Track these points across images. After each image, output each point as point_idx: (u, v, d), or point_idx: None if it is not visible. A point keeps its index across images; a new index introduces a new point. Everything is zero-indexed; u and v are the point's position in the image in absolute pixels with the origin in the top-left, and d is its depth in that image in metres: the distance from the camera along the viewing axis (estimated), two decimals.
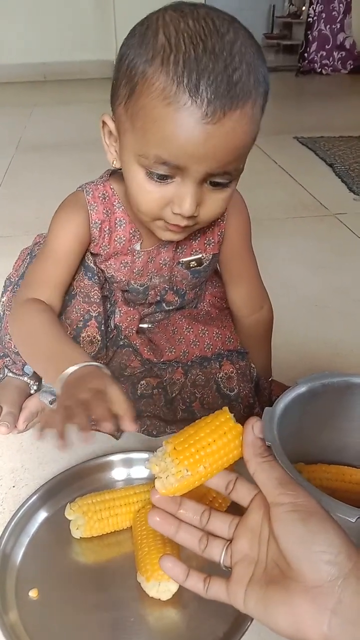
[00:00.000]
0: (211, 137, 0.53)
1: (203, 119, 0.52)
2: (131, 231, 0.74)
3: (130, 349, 0.84)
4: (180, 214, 0.59)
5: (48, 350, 0.65)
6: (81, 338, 0.76)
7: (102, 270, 0.78)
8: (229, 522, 0.47)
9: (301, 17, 4.99)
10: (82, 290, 0.75)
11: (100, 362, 0.70)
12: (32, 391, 0.89)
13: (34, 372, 0.86)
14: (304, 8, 4.91)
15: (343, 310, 1.17)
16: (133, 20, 0.61)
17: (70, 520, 0.66)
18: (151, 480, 0.72)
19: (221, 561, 0.46)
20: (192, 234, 0.74)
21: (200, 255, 0.78)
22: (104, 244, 0.75)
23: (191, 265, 0.78)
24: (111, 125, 0.62)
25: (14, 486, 0.76)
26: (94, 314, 0.76)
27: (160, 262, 0.77)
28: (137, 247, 0.75)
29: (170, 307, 0.85)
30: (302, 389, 0.66)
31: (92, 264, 0.76)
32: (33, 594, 0.60)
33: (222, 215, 0.75)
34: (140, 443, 0.82)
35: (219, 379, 0.83)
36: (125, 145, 0.60)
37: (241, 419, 0.81)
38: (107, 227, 0.74)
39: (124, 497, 0.67)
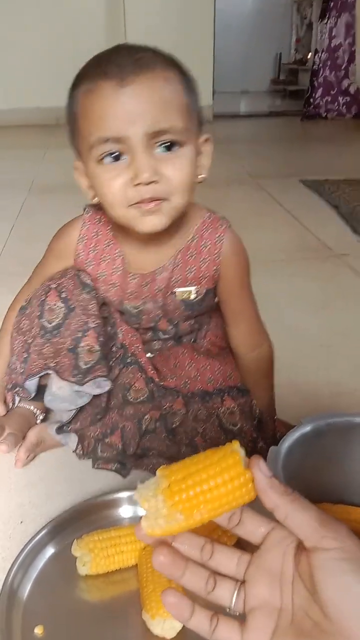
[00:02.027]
0: (130, 97, 0.61)
1: (117, 85, 0.61)
2: (116, 252, 0.80)
3: (136, 366, 0.87)
4: (140, 182, 0.63)
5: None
6: (80, 347, 0.78)
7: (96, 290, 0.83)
8: (237, 559, 0.40)
9: (307, 64, 5.16)
10: (80, 304, 0.79)
11: (101, 374, 0.79)
12: (38, 420, 0.91)
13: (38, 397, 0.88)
14: (309, 55, 5.08)
15: (347, 351, 1.19)
16: None
17: (76, 557, 0.67)
18: None
19: (231, 606, 0.39)
20: (187, 267, 0.79)
21: (193, 288, 0.82)
22: (88, 259, 0.81)
23: (184, 296, 0.82)
24: (79, 165, 0.72)
25: (21, 522, 0.77)
26: (92, 325, 0.79)
27: (155, 288, 0.81)
28: (127, 268, 0.81)
29: (166, 336, 0.89)
30: (306, 428, 0.67)
31: (88, 281, 0.81)
32: (38, 630, 0.60)
33: (217, 253, 0.80)
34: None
35: (221, 414, 0.85)
36: (85, 159, 0.69)
37: (246, 454, 0.83)
38: (93, 244, 0.81)
39: (129, 535, 0.68)
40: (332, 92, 4.31)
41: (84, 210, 0.83)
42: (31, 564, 0.68)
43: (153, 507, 0.38)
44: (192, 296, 0.82)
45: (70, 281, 0.80)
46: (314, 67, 4.27)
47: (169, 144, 0.65)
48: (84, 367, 0.78)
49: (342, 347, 1.20)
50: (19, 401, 0.89)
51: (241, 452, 0.39)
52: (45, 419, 0.93)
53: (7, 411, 0.91)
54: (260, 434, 0.86)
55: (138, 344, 0.87)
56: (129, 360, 0.87)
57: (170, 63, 0.66)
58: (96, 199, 0.72)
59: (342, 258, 1.67)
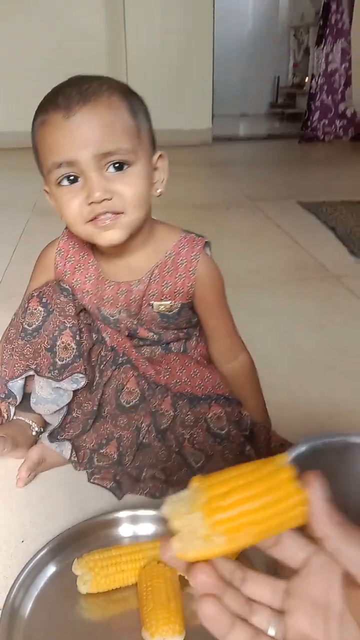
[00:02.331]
0: (76, 125, 0.68)
1: (64, 116, 0.68)
2: (90, 262, 0.87)
3: (129, 365, 0.91)
4: (93, 200, 0.70)
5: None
6: (57, 345, 0.84)
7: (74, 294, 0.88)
8: (272, 586, 0.35)
9: (304, 88, 5.26)
10: (58, 306, 0.84)
11: (78, 371, 0.84)
12: (33, 432, 0.93)
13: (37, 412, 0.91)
14: (306, 80, 5.18)
15: (344, 370, 1.20)
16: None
17: (77, 576, 0.68)
18: (156, 537, 0.74)
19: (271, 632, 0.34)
20: (164, 282, 0.84)
21: (169, 302, 0.86)
22: (65, 269, 0.87)
23: (160, 309, 0.87)
24: (47, 188, 0.77)
25: (22, 541, 0.78)
26: (68, 325, 0.84)
27: (131, 298, 0.86)
28: (104, 276, 0.86)
29: (148, 343, 0.92)
30: (303, 448, 0.68)
31: (67, 286, 0.86)
32: None
33: (192, 270, 0.84)
34: (148, 500, 0.84)
35: (209, 419, 0.88)
36: (45, 179, 0.75)
37: (235, 458, 0.85)
38: (70, 255, 0.87)
39: (130, 554, 0.69)
40: (329, 116, 4.39)
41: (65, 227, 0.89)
42: (32, 583, 0.68)
43: (188, 525, 0.32)
44: (170, 309, 0.87)
45: (50, 288, 0.85)
46: (311, 91, 4.36)
47: (118, 164, 0.71)
48: (60, 363, 0.84)
49: (340, 367, 1.22)
50: (14, 413, 0.92)
51: (292, 468, 0.33)
52: (41, 431, 0.94)
53: (1, 423, 0.93)
54: (252, 444, 0.89)
55: (126, 344, 0.91)
56: (120, 361, 0.91)
57: (116, 90, 0.72)
58: (63, 218, 0.78)
59: (339, 279, 1.69)
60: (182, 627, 0.60)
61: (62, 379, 0.84)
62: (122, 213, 0.73)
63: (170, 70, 4.01)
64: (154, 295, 0.85)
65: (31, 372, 0.85)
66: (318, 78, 4.31)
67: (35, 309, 0.84)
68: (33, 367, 0.85)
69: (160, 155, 0.79)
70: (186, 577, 0.34)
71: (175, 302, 0.86)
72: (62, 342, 0.84)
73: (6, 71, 4.08)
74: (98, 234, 0.75)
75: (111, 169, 0.71)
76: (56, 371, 0.84)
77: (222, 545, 0.31)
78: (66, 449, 0.89)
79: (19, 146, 4.06)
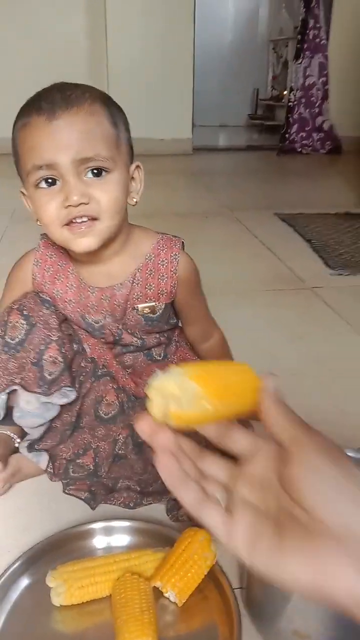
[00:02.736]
0: (58, 129, 0.70)
1: (47, 119, 0.70)
2: (70, 270, 0.87)
3: (108, 378, 0.92)
4: (70, 204, 0.71)
5: None
6: (44, 360, 0.83)
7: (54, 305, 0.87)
8: (224, 467, 0.41)
9: (283, 101, 5.33)
10: (41, 319, 0.83)
11: (65, 384, 0.84)
12: (15, 444, 0.91)
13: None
14: (285, 92, 5.25)
15: (320, 380, 1.22)
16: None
17: (51, 588, 0.67)
18: (130, 548, 0.75)
19: (222, 502, 0.40)
20: (147, 284, 0.85)
21: (153, 304, 0.87)
22: (44, 280, 0.86)
23: (145, 311, 0.88)
24: (24, 190, 0.78)
25: None
26: (54, 338, 0.84)
27: (115, 302, 0.87)
28: (86, 282, 0.87)
29: (131, 350, 0.93)
30: None
31: (47, 297, 0.86)
32: None
33: (174, 269, 0.87)
34: (121, 511, 0.84)
35: None
36: (25, 185, 0.76)
37: None
38: (48, 265, 0.86)
39: (103, 566, 0.69)
40: (306, 129, 4.45)
41: (40, 237, 0.89)
42: (5, 595, 0.68)
43: (185, 392, 0.37)
44: (154, 311, 0.88)
45: (31, 300, 0.84)
46: (290, 104, 4.43)
47: (96, 170, 0.73)
48: (49, 377, 0.83)
49: (316, 377, 1.23)
50: None
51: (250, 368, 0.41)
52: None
53: None
54: None
55: (107, 355, 0.91)
56: (99, 373, 0.92)
57: (98, 99, 0.74)
58: (38, 221, 0.79)
59: (314, 290, 1.72)
60: (156, 639, 0.61)
61: (52, 394, 0.84)
62: (97, 219, 0.75)
63: (151, 79, 4.03)
64: (138, 298, 0.87)
65: (15, 387, 0.83)
66: (296, 91, 4.38)
67: (17, 322, 0.82)
68: (18, 381, 0.83)
69: (137, 166, 0.81)
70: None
71: (159, 303, 0.88)
72: (50, 357, 0.83)
73: None
74: (73, 240, 0.76)
75: (89, 175, 0.73)
76: (46, 386, 0.83)
77: (205, 412, 0.37)
78: (43, 459, 0.88)
79: None
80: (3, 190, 3.04)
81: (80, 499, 0.85)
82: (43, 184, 0.73)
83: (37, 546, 0.73)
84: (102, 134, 0.73)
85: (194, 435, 0.41)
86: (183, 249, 0.89)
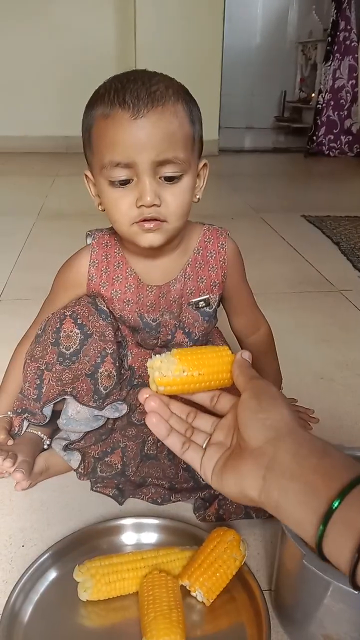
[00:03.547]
0: (141, 128, 0.68)
1: (132, 117, 0.68)
2: (127, 271, 0.85)
3: (147, 387, 0.88)
4: (143, 204, 0.71)
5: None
6: (99, 373, 0.83)
7: (112, 312, 0.86)
8: (212, 422, 0.57)
9: (310, 103, 5.29)
10: (97, 330, 0.83)
11: (118, 397, 0.85)
12: (45, 445, 0.91)
13: (49, 423, 0.89)
14: (313, 95, 5.22)
15: (348, 384, 1.20)
16: None
17: (78, 582, 0.67)
18: (158, 546, 0.74)
19: (203, 446, 0.56)
20: (198, 277, 0.86)
21: (207, 296, 0.88)
22: (102, 281, 0.85)
23: (200, 305, 0.88)
24: (89, 174, 0.78)
25: (23, 545, 0.78)
26: (109, 351, 0.83)
27: (171, 298, 0.86)
28: (144, 281, 0.86)
29: None
30: None
31: (104, 307, 0.85)
32: None
33: (223, 259, 0.87)
34: (146, 509, 0.83)
35: None
36: (95, 174, 0.75)
37: None
38: (104, 266, 0.86)
39: (131, 562, 0.69)
40: (334, 131, 4.41)
41: (86, 236, 0.88)
42: (32, 588, 0.68)
43: (165, 364, 0.54)
44: (208, 303, 0.88)
45: (85, 308, 0.83)
46: (318, 106, 4.39)
47: (171, 176, 0.72)
48: (104, 392, 0.83)
49: (344, 381, 1.21)
50: (27, 426, 0.90)
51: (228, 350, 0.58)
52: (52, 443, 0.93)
53: (14, 437, 0.91)
54: None
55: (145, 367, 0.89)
56: (135, 382, 0.90)
57: (180, 97, 0.72)
58: (101, 207, 0.79)
59: (343, 293, 1.69)
60: (184, 638, 0.60)
61: (105, 407, 0.84)
62: (166, 221, 0.74)
63: (178, 80, 4.03)
64: (191, 292, 0.87)
65: (66, 397, 0.83)
66: (325, 94, 4.34)
67: (72, 332, 0.82)
68: (69, 390, 0.82)
69: (204, 164, 0.80)
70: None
71: (213, 294, 0.88)
72: (105, 370, 0.83)
73: (15, 78, 4.11)
74: (141, 235, 0.75)
75: (165, 180, 0.72)
76: (100, 400, 0.83)
77: (183, 377, 0.54)
78: (75, 458, 0.88)
79: (26, 150, 4.12)
80: (32, 187, 3.10)
81: (108, 495, 0.85)
82: (118, 184, 0.72)
83: (65, 540, 0.73)
84: (183, 135, 0.72)
85: (191, 403, 0.59)
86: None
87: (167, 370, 0.54)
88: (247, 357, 0.57)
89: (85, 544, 0.74)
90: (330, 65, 4.27)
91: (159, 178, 0.72)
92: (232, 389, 0.57)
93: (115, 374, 0.83)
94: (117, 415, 0.86)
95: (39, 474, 0.87)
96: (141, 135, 0.69)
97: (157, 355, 0.56)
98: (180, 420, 0.58)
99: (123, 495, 0.84)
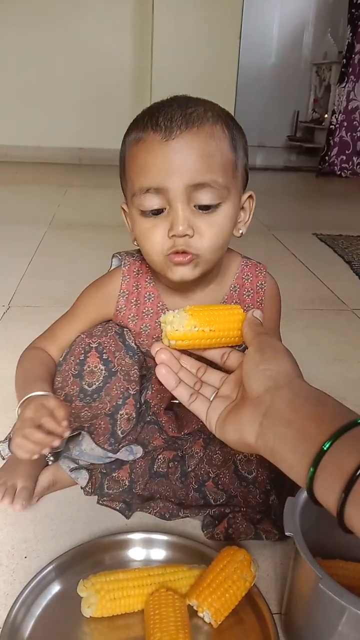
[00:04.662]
0: (174, 150, 0.63)
1: (163, 139, 0.63)
2: (159, 305, 0.80)
3: (156, 427, 0.86)
4: (175, 234, 0.65)
5: (22, 386, 0.79)
6: (119, 415, 0.78)
7: (139, 347, 0.81)
8: (220, 377, 0.59)
9: (323, 124, 5.31)
10: (123, 368, 0.78)
11: (132, 440, 0.79)
12: (49, 462, 0.87)
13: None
14: (326, 115, 5.24)
15: None
16: None
17: (81, 598, 0.65)
18: (165, 563, 0.72)
19: (210, 399, 0.58)
20: (233, 303, 0.79)
21: None
22: (131, 314, 0.80)
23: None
24: (125, 207, 0.73)
25: (25, 557, 0.75)
26: (132, 392, 0.79)
27: None
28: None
29: None
30: None
31: (133, 344, 0.79)
32: None
33: (260, 300, 0.81)
34: (153, 524, 0.81)
35: (238, 460, 0.83)
36: (128, 203, 0.71)
37: (258, 505, 0.81)
38: (135, 298, 0.80)
39: (138, 579, 0.66)
40: (347, 152, 4.42)
41: (113, 256, 0.83)
42: (34, 602, 0.66)
43: (177, 320, 0.55)
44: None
45: (112, 341, 0.79)
46: (331, 127, 4.41)
47: (207, 204, 0.66)
48: (121, 435, 0.78)
49: (356, 400, 1.19)
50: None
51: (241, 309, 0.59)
52: (57, 458, 0.90)
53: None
54: (277, 485, 0.83)
55: (163, 403, 0.85)
56: (148, 419, 0.86)
57: (220, 119, 0.66)
58: (136, 242, 0.74)
59: (355, 312, 1.68)
60: None
61: (119, 450, 0.80)
62: (198, 255, 0.69)
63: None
64: None
65: (83, 431, 0.79)
66: (338, 115, 4.36)
67: (96, 367, 0.78)
68: (87, 426, 0.78)
69: (250, 196, 0.74)
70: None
71: None
72: (126, 413, 0.79)
73: (33, 90, 4.16)
74: (172, 269, 0.70)
75: (200, 209, 0.67)
76: (117, 444, 0.79)
77: (195, 332, 0.55)
78: (82, 477, 0.84)
79: (41, 161, 4.15)
80: (45, 196, 3.11)
81: (115, 509, 0.82)
82: (149, 214, 0.67)
83: (69, 553, 0.71)
84: (221, 159, 0.66)
85: (202, 360, 0.61)
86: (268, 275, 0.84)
87: (179, 324, 0.55)
88: (258, 315, 0.58)
89: (90, 557, 0.72)
90: (344, 87, 4.29)
91: (194, 206, 0.66)
92: (243, 349, 0.58)
93: (135, 416, 0.79)
94: (131, 458, 0.82)
95: (46, 488, 0.84)
96: (173, 157, 0.63)
97: (170, 311, 0.57)
98: (190, 374, 0.60)
99: (130, 509, 0.82)
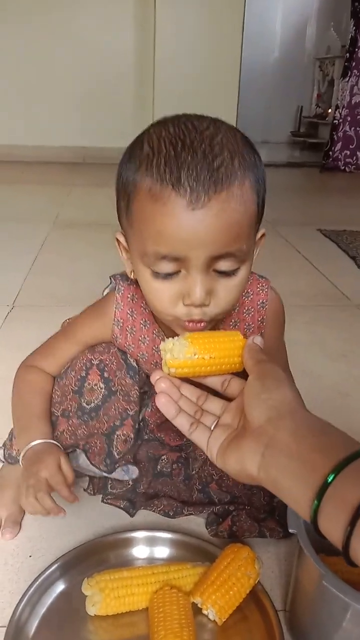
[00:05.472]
0: (200, 221, 0.54)
1: (189, 206, 0.53)
2: (155, 332, 0.76)
3: (157, 442, 0.85)
4: (191, 303, 0.58)
5: (21, 422, 0.77)
6: (116, 436, 0.76)
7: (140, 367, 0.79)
8: (221, 405, 0.58)
9: (327, 119, 5.29)
10: (122, 389, 0.75)
11: (128, 460, 0.77)
12: None
13: None
14: (329, 110, 5.22)
15: None
16: (168, 110, 0.67)
17: (86, 596, 0.65)
18: (168, 561, 0.72)
19: (211, 428, 0.57)
20: (232, 321, 0.76)
21: None
22: (127, 343, 0.76)
23: None
24: (122, 239, 0.65)
25: (30, 556, 0.76)
26: (131, 413, 0.76)
27: None
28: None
29: None
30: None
31: (134, 363, 0.76)
32: None
33: (261, 319, 0.76)
34: (157, 522, 0.81)
35: None
36: (132, 250, 0.62)
37: (262, 506, 0.81)
38: (130, 326, 0.76)
39: (142, 577, 0.67)
40: (351, 147, 4.40)
41: (110, 278, 0.79)
42: (39, 601, 0.66)
43: (177, 347, 0.55)
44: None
45: (114, 359, 0.76)
46: (335, 122, 4.38)
47: (227, 270, 0.59)
48: (117, 456, 0.76)
49: None
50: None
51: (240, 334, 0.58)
52: None
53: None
54: None
55: (160, 421, 0.83)
56: (146, 437, 0.84)
57: (246, 166, 0.57)
58: (133, 275, 0.67)
59: None
60: None
61: (114, 470, 0.78)
62: (213, 319, 0.63)
63: (196, 94, 4.05)
64: None
65: (77, 449, 0.76)
66: (342, 109, 4.34)
67: (96, 385, 0.75)
68: (82, 444, 0.76)
69: (262, 235, 0.66)
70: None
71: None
72: (123, 435, 0.76)
73: (34, 88, 4.16)
74: (181, 328, 0.63)
75: (218, 273, 0.59)
76: (112, 465, 0.77)
77: (194, 360, 0.55)
78: (83, 479, 0.84)
79: (44, 160, 4.15)
80: (48, 196, 3.12)
81: (119, 507, 0.82)
82: (161, 276, 0.59)
83: (74, 551, 0.72)
84: (248, 222, 0.58)
85: (203, 387, 0.59)
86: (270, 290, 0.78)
87: (179, 352, 0.54)
88: (258, 342, 0.57)
89: (95, 556, 0.72)
90: (348, 81, 4.27)
91: (212, 270, 0.58)
92: (244, 374, 0.56)
93: (132, 437, 0.76)
94: (126, 478, 0.81)
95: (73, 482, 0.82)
96: (199, 229, 0.54)
97: (170, 338, 0.56)
98: (190, 402, 0.59)
99: (134, 507, 0.82)
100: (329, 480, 0.42)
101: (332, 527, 0.42)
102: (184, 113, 0.61)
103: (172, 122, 0.58)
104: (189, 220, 0.54)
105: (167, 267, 0.58)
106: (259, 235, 0.64)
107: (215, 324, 0.67)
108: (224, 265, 0.58)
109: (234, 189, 0.55)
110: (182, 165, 0.54)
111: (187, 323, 0.61)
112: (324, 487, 0.42)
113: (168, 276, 0.59)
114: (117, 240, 0.66)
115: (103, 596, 0.64)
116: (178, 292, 0.59)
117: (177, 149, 0.55)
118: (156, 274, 0.59)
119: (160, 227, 0.55)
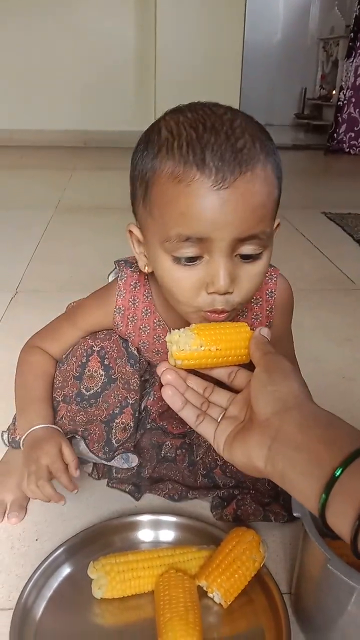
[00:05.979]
0: (226, 201, 0.53)
1: (214, 186, 0.52)
2: (156, 320, 0.75)
3: (160, 431, 0.85)
4: (216, 291, 0.56)
5: (22, 404, 0.78)
6: (115, 424, 0.76)
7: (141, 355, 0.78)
8: (228, 397, 0.58)
9: (331, 100, 5.22)
10: (122, 377, 0.75)
11: (128, 448, 0.77)
12: None
13: None
14: (334, 92, 5.15)
15: None
16: (171, 100, 0.67)
17: (92, 579, 0.66)
18: (174, 545, 0.72)
19: (218, 420, 0.57)
20: (240, 311, 0.73)
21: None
22: (128, 331, 0.76)
23: None
24: (136, 231, 0.63)
25: (36, 540, 0.76)
26: (130, 401, 0.76)
27: None
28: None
29: None
30: None
31: (135, 351, 0.76)
32: None
33: (270, 308, 0.75)
34: (162, 506, 0.82)
35: None
36: (150, 240, 0.60)
37: (267, 491, 0.81)
38: (131, 314, 0.75)
39: (147, 560, 0.67)
40: (355, 129, 4.35)
41: (115, 264, 0.78)
42: (45, 584, 0.67)
43: (183, 338, 0.54)
44: None
45: (114, 346, 0.76)
46: (339, 103, 4.33)
47: (250, 254, 0.58)
48: (116, 444, 0.76)
49: None
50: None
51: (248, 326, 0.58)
52: None
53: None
54: None
55: (162, 410, 0.83)
56: (148, 426, 0.84)
57: (268, 149, 0.56)
58: (148, 268, 0.65)
59: None
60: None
61: (113, 458, 0.77)
62: (234, 309, 0.60)
63: (198, 77, 4.01)
64: None
65: (76, 436, 0.75)
66: (346, 91, 4.28)
67: (96, 372, 0.75)
68: (81, 430, 0.75)
69: (277, 224, 0.63)
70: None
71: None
72: (122, 423, 0.76)
73: (36, 74, 4.11)
74: (199, 318, 0.61)
75: (242, 258, 0.58)
76: (111, 452, 0.76)
77: (200, 352, 0.54)
78: (87, 465, 0.85)
79: (45, 144, 4.12)
80: (50, 180, 3.09)
81: (124, 491, 0.83)
82: (183, 261, 0.57)
83: (80, 535, 0.72)
84: (271, 204, 0.57)
85: (209, 379, 0.59)
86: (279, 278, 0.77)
87: (185, 344, 0.54)
88: (265, 333, 0.56)
89: (100, 540, 0.72)
90: (352, 62, 4.20)
91: (235, 256, 0.57)
92: (251, 366, 0.55)
93: (132, 425, 0.76)
94: (126, 466, 0.80)
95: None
96: (225, 209, 0.53)
97: (175, 330, 0.55)
98: (197, 394, 0.58)
99: (139, 491, 0.82)
100: (337, 474, 0.42)
101: (340, 522, 0.42)
102: (197, 101, 0.60)
103: (188, 108, 0.58)
104: (215, 200, 0.53)
105: (190, 250, 0.56)
106: (275, 224, 0.61)
107: (234, 316, 0.64)
108: (248, 248, 0.56)
109: (257, 171, 0.54)
110: (207, 145, 0.53)
111: (209, 314, 0.59)
112: (331, 482, 0.42)
113: (190, 261, 0.57)
114: (130, 232, 0.64)
115: (109, 579, 0.64)
116: (201, 279, 0.57)
117: (199, 131, 0.54)
118: (177, 260, 0.57)
119: (184, 209, 0.54)
